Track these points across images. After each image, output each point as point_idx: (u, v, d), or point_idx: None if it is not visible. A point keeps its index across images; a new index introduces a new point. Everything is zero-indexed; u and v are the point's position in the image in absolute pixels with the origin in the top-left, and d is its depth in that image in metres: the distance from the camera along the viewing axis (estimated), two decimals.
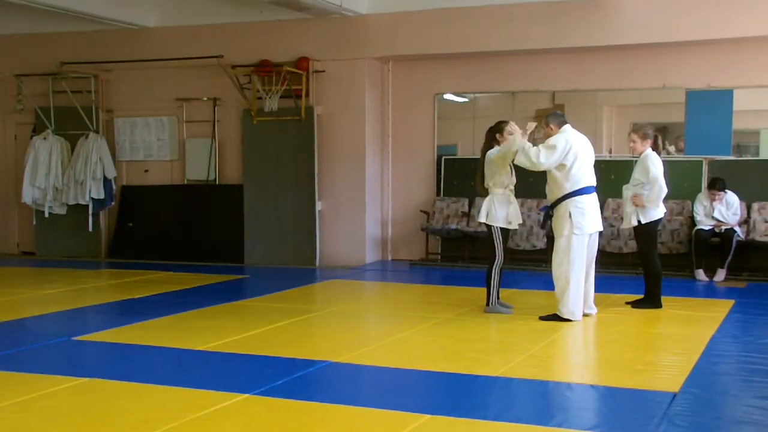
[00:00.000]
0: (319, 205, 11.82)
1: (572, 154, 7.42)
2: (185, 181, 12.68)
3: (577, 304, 7.44)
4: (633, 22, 10.48)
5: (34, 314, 8.17)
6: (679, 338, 6.91)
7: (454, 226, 11.44)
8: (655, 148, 8.07)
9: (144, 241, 12.67)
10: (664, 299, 8.14)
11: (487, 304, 7.88)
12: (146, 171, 12.88)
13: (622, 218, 8.43)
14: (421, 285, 10.27)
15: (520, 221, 8.02)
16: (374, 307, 9.03)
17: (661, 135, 8.88)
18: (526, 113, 11.48)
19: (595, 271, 7.79)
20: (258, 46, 11.87)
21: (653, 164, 7.91)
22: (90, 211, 12.58)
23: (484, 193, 7.87)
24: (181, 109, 12.63)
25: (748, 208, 10.43)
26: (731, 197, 10.17)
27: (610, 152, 11.27)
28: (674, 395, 5.11)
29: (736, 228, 10.07)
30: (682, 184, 10.51)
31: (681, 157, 10.87)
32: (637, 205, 7.98)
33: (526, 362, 6.01)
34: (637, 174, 8.06)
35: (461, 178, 11.59)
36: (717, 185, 10.06)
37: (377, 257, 12.08)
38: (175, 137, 12.70)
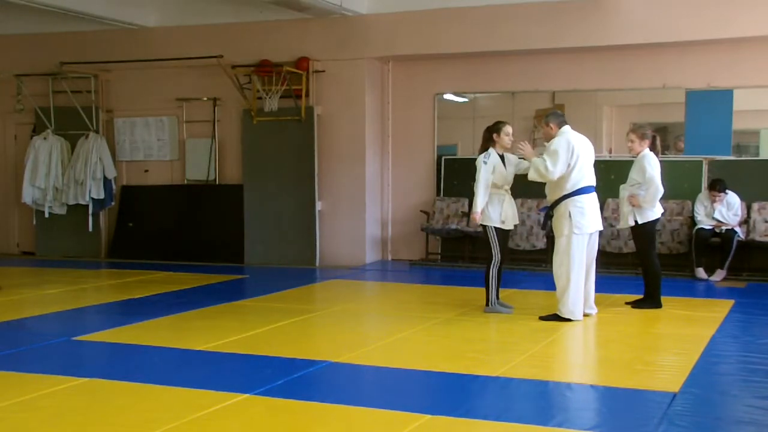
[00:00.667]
0: (319, 205, 11.82)
1: (574, 156, 7.42)
2: (185, 181, 12.68)
3: (577, 304, 7.44)
4: (633, 22, 10.48)
5: (34, 314, 8.17)
6: (679, 338, 6.91)
7: (454, 226, 11.44)
8: (653, 148, 8.07)
9: (144, 241, 12.67)
10: (664, 299, 8.14)
11: (487, 304, 7.88)
12: (146, 171, 12.88)
13: (620, 218, 8.42)
14: (421, 285, 10.27)
15: (517, 221, 8.03)
16: (374, 307, 9.04)
17: (660, 135, 8.88)
18: (526, 113, 11.52)
19: (596, 271, 7.79)
20: (258, 46, 11.87)
21: (650, 165, 7.91)
22: (90, 211, 12.59)
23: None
24: (181, 109, 12.63)
25: (748, 208, 10.42)
26: (732, 198, 10.16)
27: (610, 152, 11.27)
28: (674, 395, 5.11)
29: (737, 228, 10.07)
30: (682, 184, 10.52)
31: (681, 157, 10.87)
32: (633, 206, 7.98)
33: (526, 362, 6.01)
34: (633, 174, 8.06)
35: (461, 178, 11.58)
36: (718, 186, 10.05)
37: (377, 257, 12.08)
38: (175, 137, 12.70)
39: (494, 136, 7.82)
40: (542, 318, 7.53)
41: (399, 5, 11.39)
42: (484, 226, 7.82)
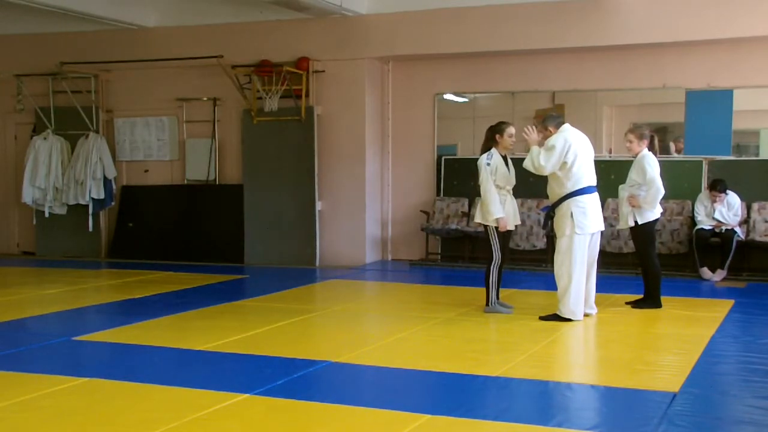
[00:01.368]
0: (319, 205, 11.82)
1: (572, 153, 7.42)
2: (185, 181, 12.68)
3: (577, 304, 7.44)
4: (633, 22, 10.48)
5: (34, 314, 8.17)
6: (679, 338, 6.91)
7: (454, 226, 11.45)
8: (651, 148, 8.07)
9: (144, 241, 12.67)
10: (664, 299, 8.14)
11: (487, 304, 7.88)
12: (146, 171, 12.88)
13: (619, 219, 8.42)
14: (421, 285, 10.27)
15: (518, 222, 8.04)
16: (374, 307, 9.04)
17: (660, 135, 8.88)
18: (526, 113, 11.49)
19: (596, 271, 7.78)
20: (258, 46, 11.87)
21: (650, 165, 7.91)
22: (90, 211, 12.58)
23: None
24: (181, 109, 12.63)
25: (748, 208, 10.43)
26: (732, 198, 10.16)
27: (610, 152, 11.27)
28: (674, 395, 5.11)
29: (737, 228, 10.07)
30: (682, 184, 10.52)
31: (681, 157, 10.87)
32: (633, 206, 7.98)
33: (526, 362, 6.01)
34: (633, 174, 8.05)
35: (461, 178, 11.59)
36: (718, 187, 10.05)
37: (377, 257, 12.08)
38: (175, 137, 12.70)
39: (497, 136, 7.82)
40: (542, 318, 7.53)
41: (399, 5, 11.39)
42: (485, 226, 7.82)
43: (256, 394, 5.16)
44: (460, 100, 12.22)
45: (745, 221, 10.34)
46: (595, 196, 7.59)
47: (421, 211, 11.84)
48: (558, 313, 7.47)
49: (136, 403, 5.10)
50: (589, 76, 11.17)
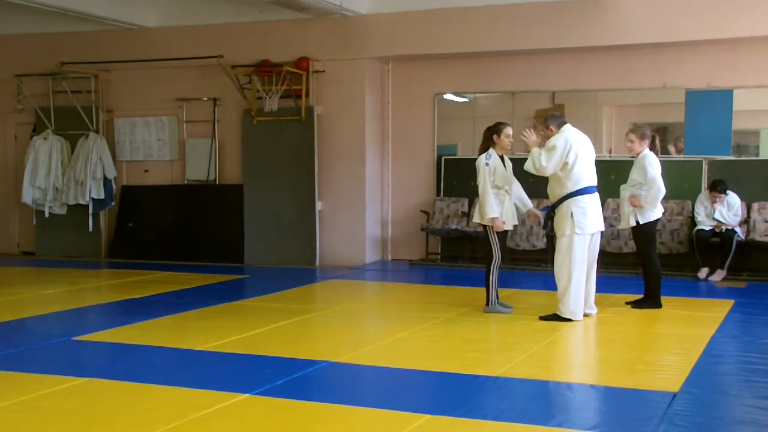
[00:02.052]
0: (319, 205, 11.82)
1: (573, 153, 7.42)
2: (185, 181, 12.68)
3: (577, 304, 7.44)
4: (633, 22, 10.48)
5: (34, 314, 8.17)
6: (679, 338, 6.91)
7: (454, 226, 11.45)
8: (652, 148, 8.06)
9: (144, 241, 12.67)
10: (664, 299, 8.14)
11: (487, 304, 7.88)
12: (146, 171, 12.88)
13: (621, 218, 8.41)
14: (421, 285, 10.27)
15: (516, 222, 8.04)
16: (374, 307, 9.04)
17: (660, 135, 8.88)
18: (526, 113, 11.51)
19: (596, 271, 7.78)
20: (258, 46, 11.87)
21: (651, 165, 7.90)
22: (90, 211, 12.58)
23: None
24: (181, 109, 12.63)
25: (748, 208, 10.43)
26: (732, 198, 10.16)
27: (610, 152, 11.27)
28: (674, 395, 5.11)
29: (737, 228, 10.07)
30: (682, 185, 10.52)
31: (681, 157, 10.87)
32: (634, 206, 7.97)
33: (526, 362, 6.01)
34: (634, 174, 8.05)
35: (461, 178, 11.59)
36: (718, 187, 10.05)
37: (377, 257, 12.08)
38: (175, 137, 12.70)
39: (494, 137, 7.83)
40: (542, 318, 7.53)
41: (399, 5, 11.39)
42: (485, 226, 7.83)
43: (256, 394, 5.15)
44: (460, 100, 12.22)
45: (745, 221, 10.34)
46: (595, 197, 7.59)
47: (421, 211, 11.84)
48: (558, 313, 7.47)
49: (136, 403, 5.10)
50: (589, 76, 11.17)
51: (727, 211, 10.13)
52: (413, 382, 5.66)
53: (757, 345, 6.71)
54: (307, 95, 11.75)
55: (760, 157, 10.88)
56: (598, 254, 7.81)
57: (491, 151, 7.80)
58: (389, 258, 12.20)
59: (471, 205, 11.41)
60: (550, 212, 7.72)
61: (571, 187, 7.46)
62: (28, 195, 12.69)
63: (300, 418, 4.81)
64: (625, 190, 8.09)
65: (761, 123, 11.09)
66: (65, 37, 12.75)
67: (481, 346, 6.78)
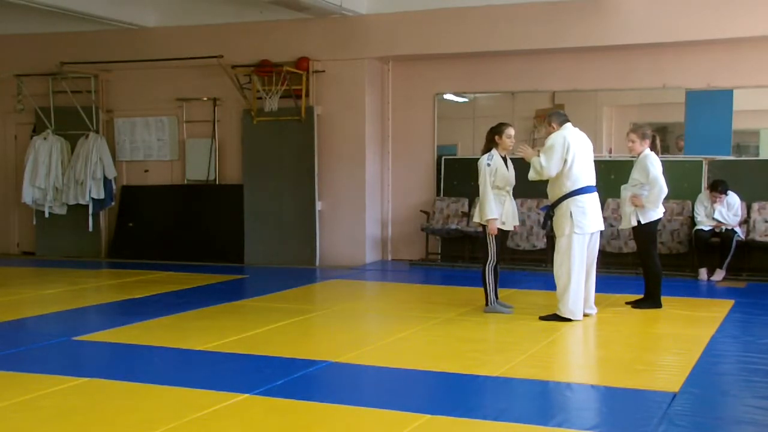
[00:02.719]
0: (319, 205, 11.82)
1: (571, 152, 7.42)
2: (185, 181, 12.68)
3: (577, 304, 7.44)
4: (633, 22, 10.48)
5: (34, 314, 8.17)
6: (679, 338, 6.91)
7: (454, 226, 11.44)
8: (653, 148, 8.06)
9: (144, 241, 12.67)
10: (664, 299, 8.13)
11: (487, 304, 7.88)
12: (146, 171, 12.88)
13: (621, 218, 8.41)
14: (421, 285, 10.27)
15: (517, 222, 8.03)
16: (374, 307, 9.04)
17: (660, 135, 8.88)
18: (526, 113, 11.52)
19: (596, 271, 7.78)
20: (258, 46, 11.87)
21: (652, 165, 7.90)
22: (90, 211, 12.59)
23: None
24: (181, 109, 12.63)
25: (748, 208, 10.42)
26: (732, 198, 10.16)
27: (610, 152, 11.27)
28: (674, 395, 5.11)
29: (737, 228, 10.07)
30: (682, 184, 10.51)
31: (681, 157, 10.87)
32: (636, 206, 7.97)
33: (526, 362, 6.01)
34: (635, 174, 8.04)
35: (461, 178, 11.59)
36: (719, 188, 10.04)
37: (377, 257, 12.08)
38: (175, 137, 12.70)
39: (496, 137, 7.83)
40: (542, 318, 7.53)
41: (399, 5, 11.39)
42: (484, 226, 7.82)
43: (256, 394, 5.15)
44: (460, 100, 12.22)
45: (745, 221, 10.34)
46: (594, 196, 7.59)
47: (421, 211, 11.84)
48: (557, 312, 7.47)
49: (136, 403, 5.10)
50: (589, 76, 11.17)
51: (726, 211, 10.13)
52: (413, 382, 5.66)
53: (757, 345, 6.71)
54: (307, 95, 11.75)
55: (760, 157, 10.88)
56: (598, 254, 7.81)
57: (493, 151, 7.80)
58: (389, 258, 12.20)
59: (471, 205, 11.41)
60: (549, 212, 7.72)
61: (570, 187, 7.46)
62: (28, 195, 12.69)
63: (300, 418, 4.80)
64: (626, 190, 8.08)
65: (761, 123, 11.09)
66: (65, 37, 12.75)
67: (481, 346, 6.78)
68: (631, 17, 10.49)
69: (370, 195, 11.87)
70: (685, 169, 10.70)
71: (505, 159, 7.84)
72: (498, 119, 8.14)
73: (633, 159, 8.26)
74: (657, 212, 8.01)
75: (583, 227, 7.45)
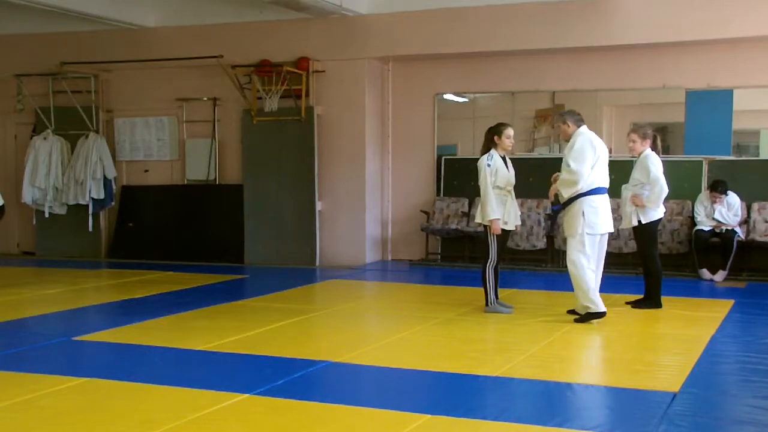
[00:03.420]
0: (319, 205, 11.82)
1: (596, 154, 7.40)
2: (185, 181, 12.69)
3: (597, 295, 7.39)
4: (633, 22, 10.48)
5: (34, 314, 8.17)
6: (679, 338, 6.91)
7: (454, 226, 11.44)
8: (654, 148, 8.06)
9: (144, 241, 12.67)
10: (664, 299, 8.14)
11: (487, 304, 7.88)
12: (146, 171, 12.88)
13: (621, 218, 8.40)
14: (421, 285, 10.27)
15: (518, 222, 8.01)
16: (374, 307, 9.04)
17: (660, 135, 8.87)
18: (526, 113, 11.52)
19: (601, 272, 7.75)
20: (258, 46, 11.88)
21: (653, 164, 7.89)
22: (90, 211, 12.59)
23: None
24: (181, 109, 12.63)
25: (748, 208, 10.43)
26: (732, 198, 10.16)
27: (610, 152, 11.20)
28: (674, 395, 5.11)
29: (737, 228, 10.07)
30: (682, 184, 10.51)
31: (681, 157, 10.86)
32: (636, 206, 7.97)
33: (526, 362, 6.01)
34: (636, 174, 8.04)
35: (461, 178, 11.59)
36: (719, 188, 10.04)
37: (377, 257, 12.08)
38: (175, 137, 12.70)
39: (495, 138, 7.82)
40: (577, 321, 7.39)
41: (399, 5, 11.39)
42: (485, 226, 7.82)
43: (256, 394, 5.15)
44: (460, 100, 12.22)
45: (745, 221, 10.34)
46: (605, 197, 7.53)
47: (421, 211, 11.84)
48: (588, 311, 7.40)
49: (136, 403, 5.10)
50: (589, 76, 11.17)
51: (727, 211, 10.13)
52: (413, 382, 5.66)
53: (757, 345, 6.71)
54: (307, 95, 11.75)
55: (760, 157, 10.89)
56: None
57: (493, 151, 7.79)
58: (389, 258, 12.20)
59: (471, 205, 11.42)
60: (560, 211, 7.66)
61: (584, 187, 7.39)
62: (28, 195, 12.70)
63: (300, 418, 4.80)
64: (627, 190, 8.08)
65: (761, 123, 11.09)
66: (65, 37, 12.75)
67: (481, 346, 6.78)
68: (631, 17, 10.50)
69: (370, 195, 11.87)
70: (685, 169, 10.70)
71: (504, 159, 7.83)
72: (498, 119, 8.14)
73: (633, 159, 8.25)
74: (658, 212, 8.00)
75: (595, 227, 7.41)
